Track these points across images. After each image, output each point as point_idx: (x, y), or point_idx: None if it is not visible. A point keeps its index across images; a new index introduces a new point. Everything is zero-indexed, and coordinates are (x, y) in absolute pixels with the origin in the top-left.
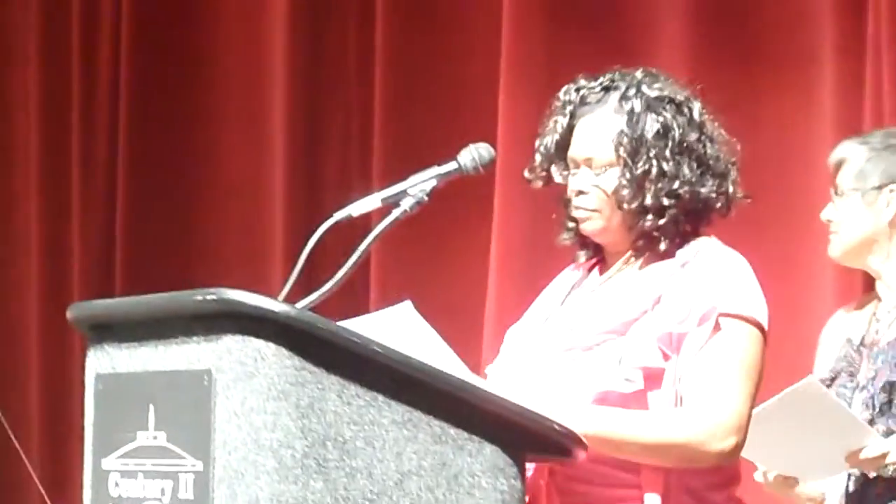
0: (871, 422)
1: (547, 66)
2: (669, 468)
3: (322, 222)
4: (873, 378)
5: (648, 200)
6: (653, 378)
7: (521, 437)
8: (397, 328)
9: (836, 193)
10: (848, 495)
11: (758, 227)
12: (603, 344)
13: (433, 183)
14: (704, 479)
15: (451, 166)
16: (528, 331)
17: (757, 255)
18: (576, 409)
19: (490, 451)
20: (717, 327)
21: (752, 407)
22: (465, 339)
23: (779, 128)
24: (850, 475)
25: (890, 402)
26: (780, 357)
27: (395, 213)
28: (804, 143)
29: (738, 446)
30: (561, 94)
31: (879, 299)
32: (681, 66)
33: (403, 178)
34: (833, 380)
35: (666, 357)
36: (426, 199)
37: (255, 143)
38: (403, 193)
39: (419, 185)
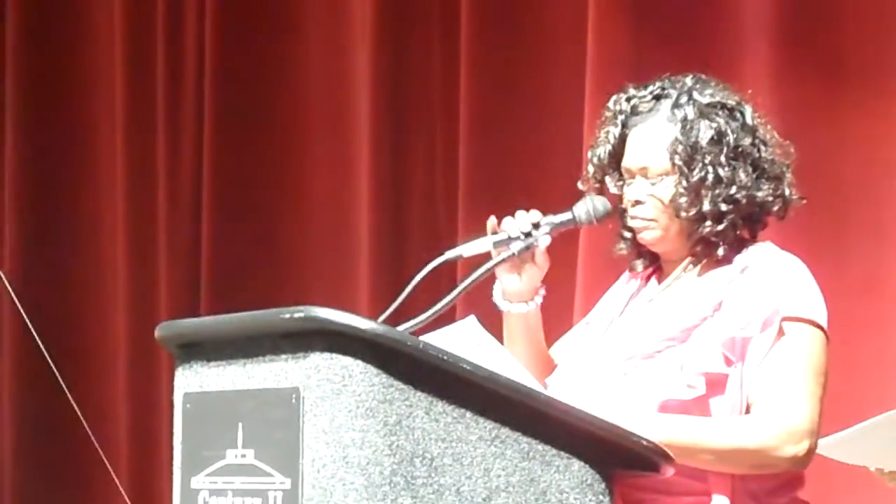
0: None
1: (632, 80)
2: (735, 474)
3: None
4: None
5: (706, 207)
6: (715, 384)
7: (609, 452)
8: (465, 344)
9: None
10: None
11: (845, 242)
12: (664, 351)
13: (545, 230)
14: (766, 483)
15: (565, 216)
16: (587, 341)
17: (844, 270)
18: (646, 417)
19: (578, 466)
20: (781, 332)
21: (821, 410)
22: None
23: (864, 142)
24: None
25: None
26: (868, 371)
27: (504, 254)
28: (890, 156)
29: (811, 450)
30: (611, 104)
31: None
32: (765, 82)
33: (489, 191)
34: None
35: (729, 363)
36: (536, 244)
37: (339, 156)
38: (514, 238)
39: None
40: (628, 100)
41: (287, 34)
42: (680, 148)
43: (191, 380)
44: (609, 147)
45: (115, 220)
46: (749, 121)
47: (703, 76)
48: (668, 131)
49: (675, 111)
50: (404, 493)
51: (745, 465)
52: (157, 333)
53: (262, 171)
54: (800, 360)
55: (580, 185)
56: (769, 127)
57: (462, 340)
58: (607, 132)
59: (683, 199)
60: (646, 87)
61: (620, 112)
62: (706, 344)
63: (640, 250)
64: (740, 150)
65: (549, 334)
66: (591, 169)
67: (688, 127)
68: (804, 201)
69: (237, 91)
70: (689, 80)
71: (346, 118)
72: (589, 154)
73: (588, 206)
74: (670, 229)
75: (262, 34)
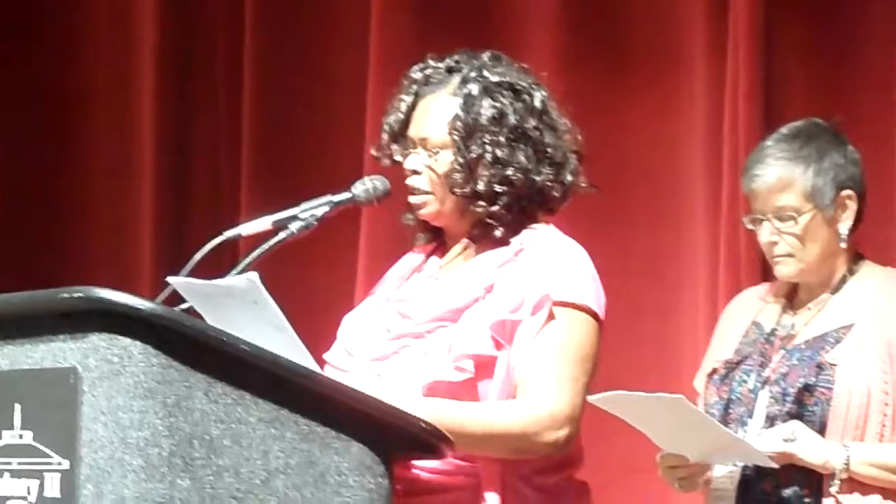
0: (777, 418)
1: (416, 62)
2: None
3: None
4: (785, 374)
5: (481, 186)
6: (484, 367)
7: (388, 435)
8: (242, 299)
9: (779, 218)
10: (739, 484)
11: (627, 227)
12: (435, 332)
13: (325, 209)
14: (535, 463)
15: (344, 196)
16: (364, 316)
17: (625, 254)
18: (408, 400)
19: (357, 449)
20: (550, 316)
21: (585, 396)
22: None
23: (644, 128)
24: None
25: (803, 402)
26: (649, 353)
27: (283, 234)
28: (669, 144)
29: (571, 437)
30: (410, 73)
31: (796, 294)
32: (548, 67)
33: (273, 170)
34: (738, 363)
35: (499, 346)
36: (315, 223)
37: (123, 129)
38: (294, 217)
39: (310, 210)
40: (424, 69)
41: (71, 6)
42: (459, 123)
43: None
44: (399, 115)
45: None
46: (537, 104)
47: (501, 55)
48: (451, 105)
49: (462, 86)
50: (183, 474)
51: (507, 450)
52: None
53: (43, 147)
54: (565, 346)
55: (373, 153)
56: (560, 113)
57: (240, 295)
58: (401, 100)
59: (458, 175)
60: (443, 59)
61: (415, 81)
62: (476, 326)
63: (425, 224)
64: (521, 132)
65: (330, 314)
66: (383, 136)
67: (470, 103)
68: (594, 189)
69: (20, 66)
70: (484, 56)
71: (129, 92)
72: (383, 120)
73: (367, 186)
74: (445, 204)
75: (42, 9)
